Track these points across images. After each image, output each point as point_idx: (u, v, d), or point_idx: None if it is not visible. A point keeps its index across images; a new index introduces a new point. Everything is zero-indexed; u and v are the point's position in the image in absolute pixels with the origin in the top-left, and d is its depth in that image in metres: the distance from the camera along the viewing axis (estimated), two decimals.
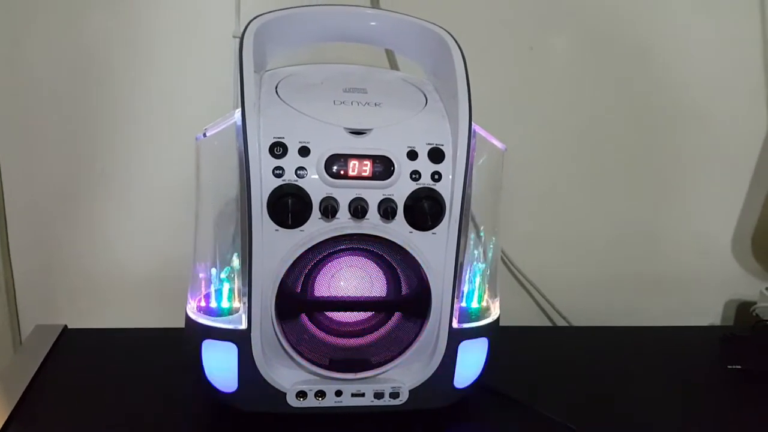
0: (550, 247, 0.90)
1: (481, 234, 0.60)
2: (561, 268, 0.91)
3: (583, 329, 0.88)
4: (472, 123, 0.54)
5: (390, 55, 0.78)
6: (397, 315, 0.58)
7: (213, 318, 0.57)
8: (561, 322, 0.91)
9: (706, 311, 0.96)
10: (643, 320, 0.86)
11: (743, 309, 0.93)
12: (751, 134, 0.89)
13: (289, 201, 0.52)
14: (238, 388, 0.58)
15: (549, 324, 0.92)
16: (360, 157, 0.53)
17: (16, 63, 0.76)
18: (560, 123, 0.85)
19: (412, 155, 0.54)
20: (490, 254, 0.61)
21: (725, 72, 0.86)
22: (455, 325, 0.58)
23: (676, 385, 0.72)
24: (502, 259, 0.86)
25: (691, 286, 0.94)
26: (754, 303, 0.91)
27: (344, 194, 0.53)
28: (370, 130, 0.54)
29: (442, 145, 0.54)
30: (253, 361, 0.57)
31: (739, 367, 0.75)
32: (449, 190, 0.54)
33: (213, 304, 0.58)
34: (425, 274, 0.55)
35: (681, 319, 0.91)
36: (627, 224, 0.91)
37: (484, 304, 0.61)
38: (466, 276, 0.59)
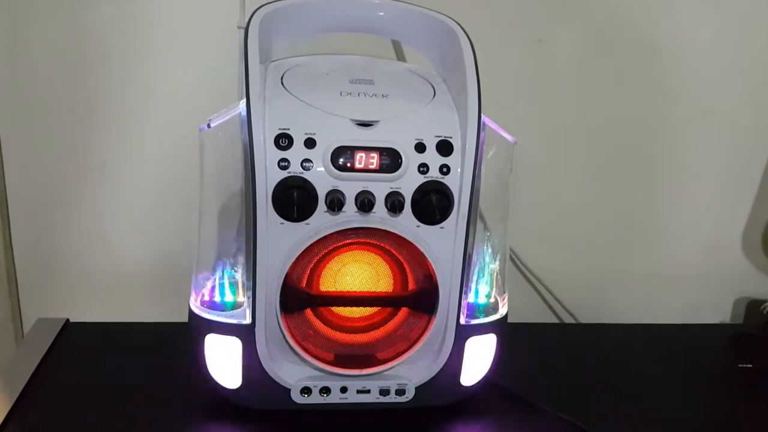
0: (558, 243, 0.89)
1: (490, 229, 0.59)
2: (569, 264, 0.90)
3: (591, 326, 0.87)
4: (482, 115, 0.53)
5: (396, 45, 0.77)
6: (403, 310, 0.58)
7: (216, 312, 0.56)
8: (569, 319, 0.90)
9: (715, 309, 0.95)
10: (652, 317, 0.86)
11: (753, 307, 0.92)
12: (762, 130, 0.88)
13: (295, 194, 0.51)
14: (241, 383, 0.58)
15: (556, 321, 0.92)
16: (367, 149, 0.52)
17: (18, 57, 0.75)
18: (568, 116, 0.84)
19: (420, 148, 0.53)
20: (498, 249, 0.60)
21: (735, 67, 0.85)
22: (463, 321, 0.58)
23: (686, 383, 0.71)
24: (509, 255, 0.85)
25: (701, 284, 0.93)
26: (765, 301, 0.90)
27: (351, 187, 0.52)
28: (377, 121, 0.53)
29: (451, 137, 0.53)
30: (257, 357, 0.56)
31: (751, 365, 0.74)
32: (458, 183, 0.53)
33: (217, 299, 0.57)
34: (433, 269, 0.55)
35: (690, 316, 0.90)
36: (636, 221, 0.90)
37: (492, 300, 0.60)
38: (475, 271, 0.58)
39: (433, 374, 0.59)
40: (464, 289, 0.56)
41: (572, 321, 0.89)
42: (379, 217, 0.53)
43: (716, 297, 0.95)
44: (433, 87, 0.58)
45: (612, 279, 0.91)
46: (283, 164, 0.51)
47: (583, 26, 0.82)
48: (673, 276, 0.92)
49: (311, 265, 0.55)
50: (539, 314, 0.91)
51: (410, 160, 0.52)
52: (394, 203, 0.52)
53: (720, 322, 0.95)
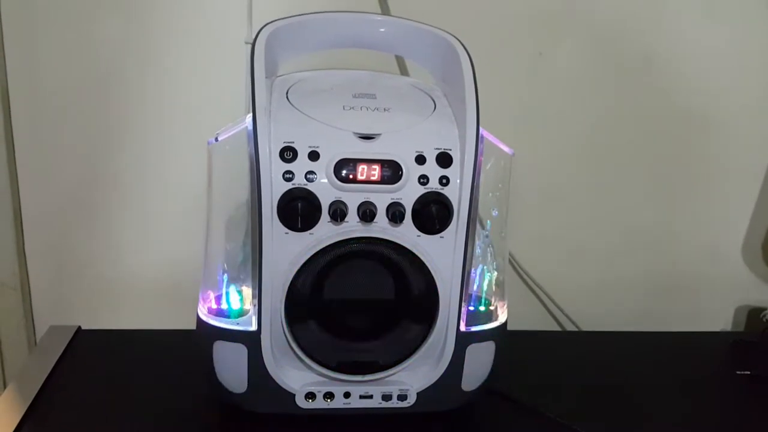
0: (559, 251, 0.90)
1: (489, 238, 0.61)
2: (570, 272, 0.91)
3: (592, 334, 0.87)
4: (480, 128, 0.55)
5: (399, 60, 0.78)
6: (405, 318, 0.59)
7: (224, 320, 0.57)
8: (570, 327, 0.91)
9: (716, 317, 0.96)
10: (652, 325, 0.86)
11: (754, 315, 0.93)
12: (761, 139, 0.89)
13: (299, 205, 0.52)
14: (247, 389, 0.59)
15: (557, 328, 0.92)
16: (369, 161, 0.53)
17: (32, 71, 0.77)
18: (569, 128, 0.86)
19: (421, 160, 0.54)
20: (497, 258, 0.61)
21: (735, 77, 0.86)
22: (463, 328, 0.59)
23: (686, 390, 0.72)
24: (510, 263, 0.86)
25: (701, 292, 0.94)
26: (765, 309, 0.90)
27: (353, 198, 0.54)
28: (378, 134, 0.54)
29: (450, 149, 0.55)
30: (263, 363, 0.57)
31: (749, 372, 0.75)
32: (457, 194, 0.54)
33: (224, 306, 0.58)
34: (433, 277, 0.56)
35: (691, 324, 0.91)
36: (636, 229, 0.91)
37: (491, 307, 0.62)
38: (474, 279, 0.60)
39: (434, 380, 0.60)
40: (464, 296, 0.57)
41: (573, 328, 0.90)
42: (381, 227, 0.54)
43: (717, 305, 0.95)
44: (433, 101, 0.59)
45: (613, 287, 0.92)
46: (288, 176, 0.53)
47: (583, 39, 0.83)
48: (673, 284, 0.93)
49: (315, 274, 0.56)
50: (540, 322, 0.92)
51: (411, 171, 0.54)
52: (395, 213, 0.53)
53: (721, 330, 0.96)
